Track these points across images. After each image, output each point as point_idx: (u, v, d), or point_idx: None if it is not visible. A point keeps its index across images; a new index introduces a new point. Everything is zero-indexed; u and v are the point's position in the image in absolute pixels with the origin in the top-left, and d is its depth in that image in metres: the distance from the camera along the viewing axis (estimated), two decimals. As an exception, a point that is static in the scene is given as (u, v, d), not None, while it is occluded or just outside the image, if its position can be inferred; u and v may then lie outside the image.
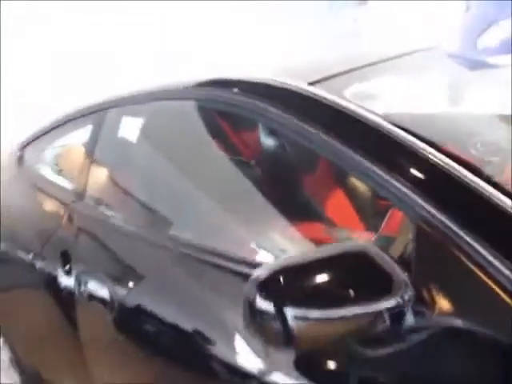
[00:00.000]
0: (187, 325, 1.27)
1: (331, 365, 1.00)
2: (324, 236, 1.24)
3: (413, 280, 0.88)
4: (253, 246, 1.25)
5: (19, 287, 2.02)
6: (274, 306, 0.88)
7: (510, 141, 1.15)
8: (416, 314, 0.88)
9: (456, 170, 0.95)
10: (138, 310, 1.41)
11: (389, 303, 0.86)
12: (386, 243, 0.99)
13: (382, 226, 1.04)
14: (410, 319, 0.88)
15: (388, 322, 0.86)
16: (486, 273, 0.83)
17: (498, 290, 0.82)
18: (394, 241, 0.99)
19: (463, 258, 0.86)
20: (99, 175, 1.78)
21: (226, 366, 1.16)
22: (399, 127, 1.05)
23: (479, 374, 0.85)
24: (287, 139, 1.30)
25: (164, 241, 1.42)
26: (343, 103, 1.15)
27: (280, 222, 1.26)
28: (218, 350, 1.18)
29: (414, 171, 0.98)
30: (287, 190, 1.36)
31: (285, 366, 1.02)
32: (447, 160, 0.96)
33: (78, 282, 1.59)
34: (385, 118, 1.09)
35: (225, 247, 1.25)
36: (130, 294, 1.45)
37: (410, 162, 1.00)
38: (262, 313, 0.89)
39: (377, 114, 1.10)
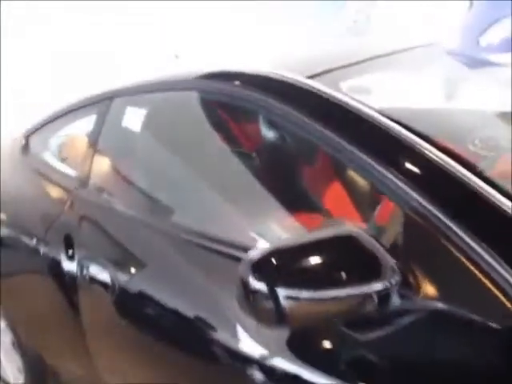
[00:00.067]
0: (188, 310, 1.29)
1: (321, 344, 1.03)
2: (321, 226, 1.27)
3: (401, 266, 0.91)
4: (252, 234, 1.26)
5: (23, 271, 2.04)
6: (267, 286, 0.90)
7: (510, 138, 1.17)
8: (402, 297, 0.91)
9: (447, 162, 0.97)
10: (140, 296, 1.43)
11: (377, 286, 0.89)
12: (377, 232, 1.01)
13: (375, 216, 1.07)
14: (396, 302, 0.91)
15: (376, 303, 0.89)
16: (470, 260, 0.86)
17: (480, 275, 0.85)
18: (385, 229, 1.02)
19: (448, 246, 0.89)
20: (102, 163, 1.80)
21: (226, 351, 1.18)
22: (393, 120, 1.08)
23: (462, 353, 0.88)
24: (287, 131, 1.33)
25: (166, 227, 1.44)
26: (341, 96, 1.17)
27: (279, 212, 1.28)
28: (219, 335, 1.20)
29: (406, 163, 1.00)
30: (286, 180, 1.38)
31: (279, 348, 1.05)
32: (438, 152, 0.99)
33: (81, 267, 1.61)
34: (381, 111, 1.11)
35: (225, 235, 1.28)
36: (131, 279, 1.48)
37: (402, 154, 1.03)
38: (256, 293, 0.92)
39: (372, 108, 1.13)
